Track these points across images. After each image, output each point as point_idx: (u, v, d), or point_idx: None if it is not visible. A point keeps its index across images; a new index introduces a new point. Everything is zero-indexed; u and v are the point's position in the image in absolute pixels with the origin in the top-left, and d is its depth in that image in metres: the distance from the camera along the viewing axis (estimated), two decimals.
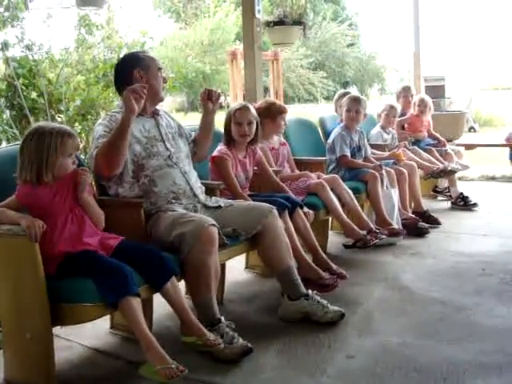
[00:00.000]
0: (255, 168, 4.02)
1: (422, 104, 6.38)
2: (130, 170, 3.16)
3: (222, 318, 2.92)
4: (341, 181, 4.51)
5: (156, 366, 2.45)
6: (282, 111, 4.39)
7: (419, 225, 5.06)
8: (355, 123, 5.09)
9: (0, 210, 2.60)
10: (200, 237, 2.86)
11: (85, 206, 2.75)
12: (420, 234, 5.00)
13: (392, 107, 5.86)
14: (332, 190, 4.31)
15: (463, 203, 6.01)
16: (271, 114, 4.34)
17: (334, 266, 3.76)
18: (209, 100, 3.41)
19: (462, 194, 6.07)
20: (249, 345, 2.84)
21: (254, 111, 3.89)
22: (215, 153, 3.81)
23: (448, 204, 6.20)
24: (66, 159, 2.68)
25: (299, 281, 3.32)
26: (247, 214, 3.27)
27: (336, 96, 5.88)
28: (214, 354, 2.81)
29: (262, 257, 3.41)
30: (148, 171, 3.19)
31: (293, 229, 3.60)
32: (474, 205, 5.98)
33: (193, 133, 3.61)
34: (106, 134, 3.09)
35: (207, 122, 3.52)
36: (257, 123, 3.87)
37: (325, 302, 3.27)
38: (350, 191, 4.47)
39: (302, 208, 3.80)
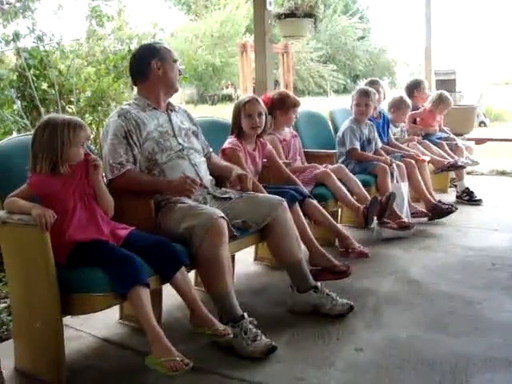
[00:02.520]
0: (265, 160, 4.02)
1: (445, 102, 6.34)
2: (143, 166, 3.19)
3: (245, 314, 2.90)
4: (347, 170, 4.54)
5: (161, 357, 2.45)
6: (295, 104, 4.40)
7: (443, 206, 5.13)
8: (365, 117, 5.09)
9: (12, 200, 2.61)
10: (209, 230, 2.85)
11: (98, 190, 2.76)
12: (446, 214, 5.12)
13: (404, 102, 5.82)
14: (340, 180, 4.32)
15: (468, 198, 5.98)
16: (284, 106, 4.35)
17: (357, 244, 3.79)
18: (240, 182, 3.41)
19: (467, 188, 6.02)
20: (273, 343, 2.83)
21: (262, 103, 3.91)
22: (226, 145, 3.82)
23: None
24: (79, 149, 2.69)
25: (308, 273, 3.32)
26: (257, 206, 3.27)
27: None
28: (237, 350, 2.81)
29: (271, 249, 3.41)
30: (160, 164, 3.20)
31: (304, 219, 3.60)
32: (479, 201, 5.93)
33: (211, 149, 3.64)
34: (122, 139, 3.12)
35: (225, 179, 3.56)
36: (265, 115, 3.88)
37: (334, 294, 3.27)
38: (357, 179, 4.49)
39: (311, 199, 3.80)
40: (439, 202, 5.28)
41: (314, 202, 3.81)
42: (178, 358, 2.45)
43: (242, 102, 3.87)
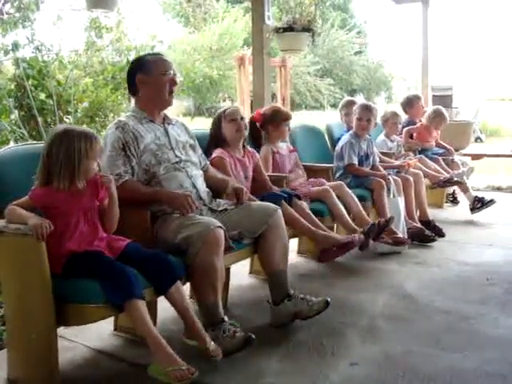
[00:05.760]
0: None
1: (440, 117, 6.34)
2: (142, 178, 3.19)
3: (226, 318, 2.92)
4: (347, 188, 4.51)
5: (166, 367, 2.42)
6: (286, 118, 4.43)
7: (426, 232, 5.05)
8: (365, 132, 5.08)
9: (11, 208, 2.58)
10: (207, 239, 2.86)
11: (113, 204, 2.77)
12: (426, 241, 4.99)
13: (395, 115, 5.88)
14: (338, 197, 4.32)
15: (481, 204, 5.94)
16: (276, 120, 4.38)
17: (338, 236, 3.87)
18: (236, 197, 3.41)
19: (477, 196, 6.00)
20: (252, 335, 2.82)
21: (241, 110, 4.01)
22: (212, 156, 3.83)
23: (453, 214, 6.20)
24: (93, 163, 2.67)
25: (286, 285, 3.30)
26: (253, 214, 3.29)
27: (341, 104, 5.88)
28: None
29: (260, 256, 3.40)
30: (158, 176, 3.21)
31: (295, 213, 3.69)
32: (492, 201, 5.91)
33: (208, 163, 3.66)
34: (120, 150, 3.13)
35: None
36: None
37: (308, 296, 3.24)
38: (356, 198, 4.47)
39: (299, 198, 3.87)
40: (429, 223, 5.29)
41: (300, 203, 3.85)
42: (183, 367, 2.42)
43: (221, 112, 3.95)
